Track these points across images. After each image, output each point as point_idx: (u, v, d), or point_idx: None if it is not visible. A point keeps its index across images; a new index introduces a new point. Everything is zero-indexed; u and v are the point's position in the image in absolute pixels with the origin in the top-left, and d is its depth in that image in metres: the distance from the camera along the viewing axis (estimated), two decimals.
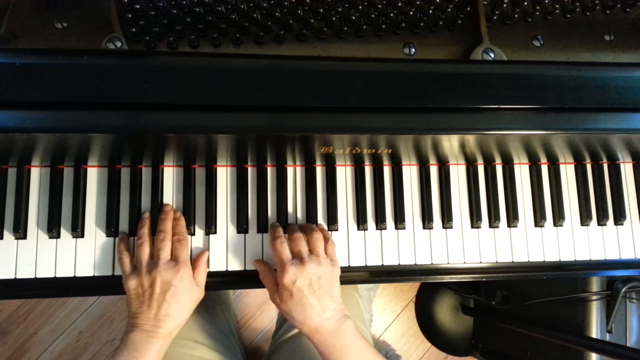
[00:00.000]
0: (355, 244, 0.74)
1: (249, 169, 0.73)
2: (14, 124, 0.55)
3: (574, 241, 0.78)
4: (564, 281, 1.06)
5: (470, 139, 0.66)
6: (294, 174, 0.74)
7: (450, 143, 0.68)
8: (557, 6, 0.69)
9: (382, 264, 0.74)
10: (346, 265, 0.73)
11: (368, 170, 0.75)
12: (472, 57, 0.66)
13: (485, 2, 0.69)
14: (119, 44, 0.61)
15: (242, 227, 0.71)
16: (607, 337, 0.99)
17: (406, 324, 1.53)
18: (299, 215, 0.74)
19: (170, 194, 0.71)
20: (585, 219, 0.78)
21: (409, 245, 0.74)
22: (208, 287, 0.70)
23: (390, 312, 1.53)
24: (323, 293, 0.63)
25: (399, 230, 0.75)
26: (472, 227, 0.76)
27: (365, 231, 0.74)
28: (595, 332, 0.99)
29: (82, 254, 0.69)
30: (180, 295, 0.63)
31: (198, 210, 0.71)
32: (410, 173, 0.76)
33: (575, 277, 0.96)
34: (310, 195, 0.73)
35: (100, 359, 1.40)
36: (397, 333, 1.52)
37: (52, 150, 0.64)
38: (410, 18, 0.67)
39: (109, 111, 0.56)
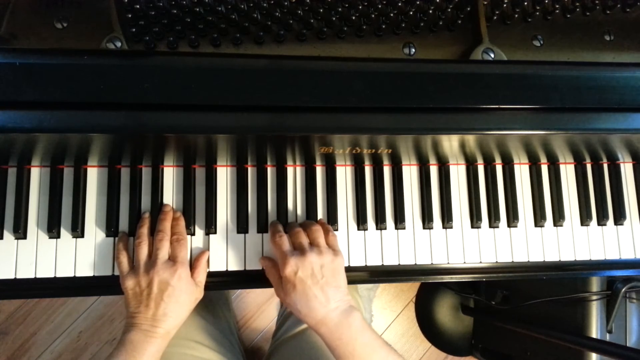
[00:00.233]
0: (355, 244, 0.74)
1: (249, 169, 0.73)
2: (14, 124, 0.55)
3: (574, 241, 0.78)
4: (564, 281, 1.06)
5: (470, 139, 0.66)
6: (294, 174, 0.74)
7: (450, 143, 0.68)
8: (557, 6, 0.69)
9: (382, 264, 0.74)
10: (346, 265, 0.73)
11: (368, 170, 0.75)
12: (472, 57, 0.66)
13: (485, 2, 0.69)
14: (119, 44, 0.61)
15: (242, 227, 0.71)
16: (607, 337, 0.99)
17: (406, 324, 1.53)
18: (299, 215, 0.74)
19: (170, 194, 0.71)
20: (585, 219, 0.78)
21: (409, 245, 0.74)
22: (208, 287, 0.70)
23: (390, 312, 1.53)
24: (327, 283, 0.62)
25: (399, 230, 0.75)
26: (472, 227, 0.76)
27: (365, 231, 0.74)
28: (595, 332, 0.99)
29: (82, 254, 0.69)
30: (178, 295, 0.63)
31: (198, 210, 0.71)
32: (410, 173, 0.76)
33: (575, 277, 0.96)
34: (310, 195, 0.73)
35: (100, 359, 1.40)
36: (397, 333, 1.52)
37: (52, 150, 0.64)
38: (410, 18, 0.67)
39: (109, 111, 0.56)
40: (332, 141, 0.64)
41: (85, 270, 0.68)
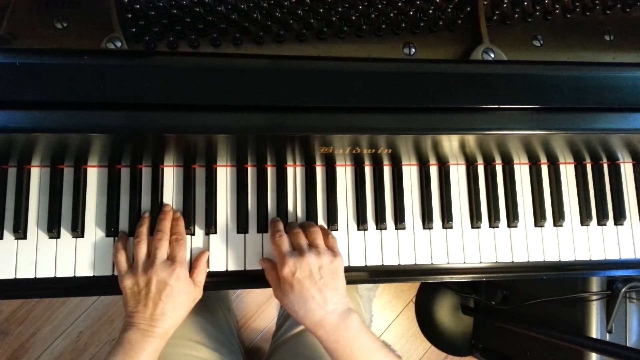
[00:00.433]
0: (355, 244, 0.74)
1: (249, 169, 0.73)
2: (14, 124, 0.55)
3: (574, 241, 0.78)
4: (564, 281, 1.06)
5: (470, 139, 0.66)
6: (294, 174, 0.74)
7: (450, 143, 0.68)
8: (557, 6, 0.69)
9: (382, 264, 0.74)
10: (346, 265, 0.73)
11: (368, 170, 0.75)
12: (472, 57, 0.66)
13: (485, 2, 0.69)
14: (119, 44, 0.61)
15: (242, 227, 0.71)
16: (607, 337, 0.99)
17: (406, 324, 1.53)
18: (299, 215, 0.74)
19: (170, 194, 0.71)
20: (585, 219, 0.78)
21: (409, 245, 0.74)
22: (208, 287, 0.70)
23: (390, 312, 1.53)
24: (325, 284, 0.61)
25: (399, 230, 0.75)
26: (472, 227, 0.76)
27: (365, 231, 0.74)
28: (595, 332, 0.99)
29: (82, 254, 0.69)
30: (176, 295, 0.63)
31: (198, 210, 0.71)
32: (410, 173, 0.76)
33: (575, 277, 0.96)
34: (310, 195, 0.73)
35: (100, 359, 1.40)
36: (397, 333, 1.52)
37: (52, 150, 0.64)
38: (410, 18, 0.67)
39: (109, 111, 0.56)
40: (332, 141, 0.64)
41: (85, 270, 0.68)
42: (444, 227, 0.76)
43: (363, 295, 1.31)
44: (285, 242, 0.65)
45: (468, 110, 0.61)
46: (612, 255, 0.78)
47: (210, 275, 0.70)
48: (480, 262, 0.76)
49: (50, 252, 0.68)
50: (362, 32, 0.66)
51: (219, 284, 0.72)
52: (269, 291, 1.46)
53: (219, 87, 0.57)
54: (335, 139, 0.63)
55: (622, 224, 0.79)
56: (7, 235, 0.68)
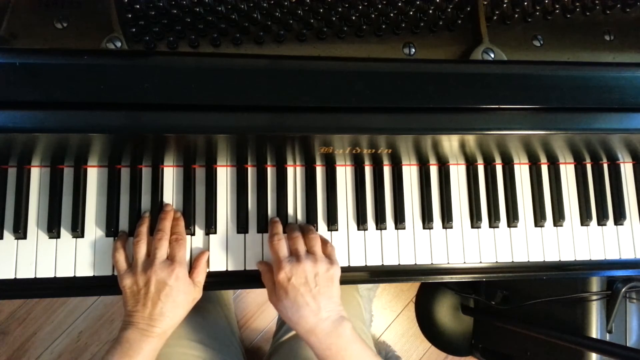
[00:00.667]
0: (355, 244, 0.74)
1: (249, 169, 0.73)
2: (14, 124, 0.55)
3: (574, 241, 0.78)
4: (564, 281, 1.06)
5: (470, 139, 0.66)
6: (294, 174, 0.74)
7: (450, 143, 0.68)
8: (557, 6, 0.69)
9: (382, 264, 0.74)
10: (346, 265, 0.73)
11: (368, 170, 0.75)
12: (472, 57, 0.66)
13: (485, 2, 0.69)
14: (119, 44, 0.61)
15: (242, 227, 0.71)
16: (607, 337, 0.99)
17: (406, 324, 1.53)
18: (299, 215, 0.74)
19: (170, 194, 0.71)
20: (585, 219, 0.78)
21: (409, 245, 0.74)
22: (208, 287, 0.70)
23: (390, 312, 1.53)
24: (319, 292, 0.61)
25: (399, 230, 0.75)
26: (472, 227, 0.76)
27: (365, 231, 0.74)
28: (595, 332, 0.99)
29: (82, 254, 0.69)
30: (175, 295, 0.63)
31: (198, 210, 0.71)
32: (410, 173, 0.76)
33: (575, 277, 0.96)
34: (310, 195, 0.73)
35: (100, 359, 1.40)
36: (397, 333, 1.52)
37: (52, 150, 0.64)
38: (410, 18, 0.67)
39: (109, 111, 0.56)
40: (332, 141, 0.64)
41: (85, 270, 0.68)
42: (444, 227, 0.76)
43: (363, 295, 1.31)
44: (283, 247, 0.65)
45: (468, 110, 0.61)
46: (612, 255, 0.78)
47: (210, 275, 0.70)
48: (480, 262, 0.76)
49: (50, 252, 0.68)
50: (362, 32, 0.66)
51: (219, 284, 0.72)
52: None
53: (219, 87, 0.57)
54: (335, 139, 0.63)
55: (622, 224, 0.79)
56: (7, 235, 0.68)
